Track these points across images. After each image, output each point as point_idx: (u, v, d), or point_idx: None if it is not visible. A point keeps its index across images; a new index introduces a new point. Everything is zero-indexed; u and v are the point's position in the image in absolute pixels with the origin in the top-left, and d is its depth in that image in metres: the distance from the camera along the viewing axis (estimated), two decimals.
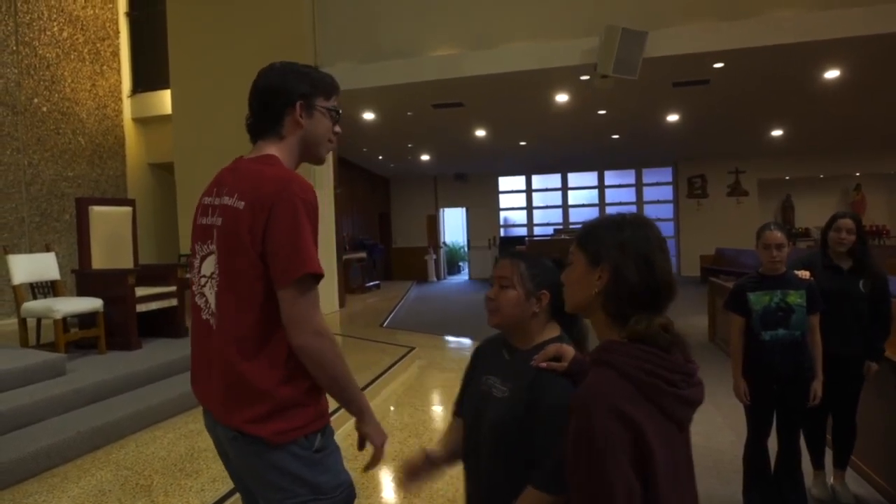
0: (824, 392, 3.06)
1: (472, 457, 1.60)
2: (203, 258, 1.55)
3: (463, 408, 1.71)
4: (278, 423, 1.42)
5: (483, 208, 18.99)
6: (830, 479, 3.50)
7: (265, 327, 1.42)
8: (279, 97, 1.54)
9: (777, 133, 13.49)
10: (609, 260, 1.20)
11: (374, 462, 1.56)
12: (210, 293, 1.51)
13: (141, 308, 5.44)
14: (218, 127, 8.07)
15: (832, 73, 8.69)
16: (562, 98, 9.73)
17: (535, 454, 1.40)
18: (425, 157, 15.65)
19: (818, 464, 3.49)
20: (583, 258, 1.24)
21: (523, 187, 19.10)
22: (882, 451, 3.47)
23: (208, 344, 1.52)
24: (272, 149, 1.55)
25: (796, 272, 3.11)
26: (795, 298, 2.98)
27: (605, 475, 1.05)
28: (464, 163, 17.00)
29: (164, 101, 9.86)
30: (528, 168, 18.48)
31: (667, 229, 18.02)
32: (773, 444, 3.14)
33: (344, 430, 4.38)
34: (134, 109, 10.18)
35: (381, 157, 15.50)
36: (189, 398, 4.46)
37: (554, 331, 1.59)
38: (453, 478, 3.57)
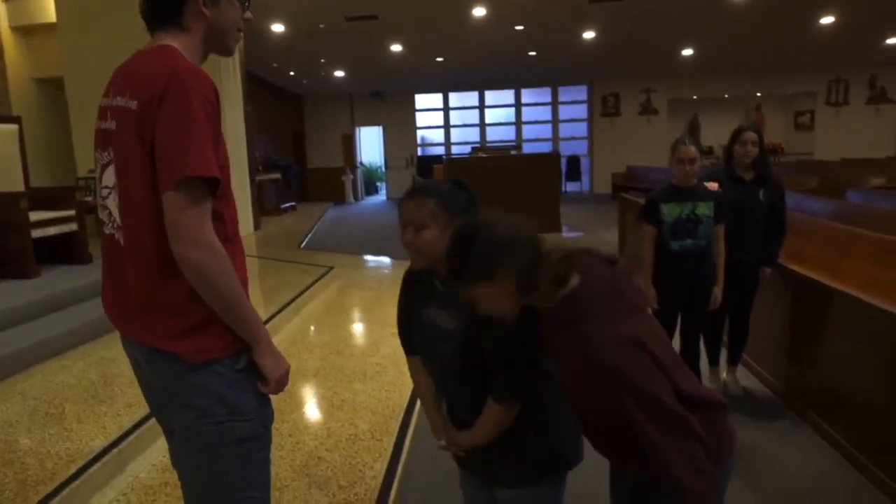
0: (724, 296, 3.30)
1: (438, 383, 1.68)
2: (104, 167, 1.42)
3: (412, 346, 1.73)
4: (197, 340, 1.34)
5: (400, 127, 18.66)
6: (723, 374, 3.83)
7: None
8: None
9: (687, 53, 13.80)
10: (497, 266, 1.29)
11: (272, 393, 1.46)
12: (113, 206, 1.40)
13: (37, 234, 5.08)
14: (111, 34, 7.39)
15: None
16: (479, 12, 9.51)
17: (492, 374, 1.48)
18: (339, 74, 15.08)
19: (714, 361, 3.79)
20: (480, 286, 1.32)
21: (440, 105, 18.85)
22: (771, 350, 3.80)
23: (118, 260, 1.42)
24: (172, 40, 1.38)
25: (706, 184, 3.26)
26: (704, 210, 3.13)
27: (652, 392, 1.20)
28: (380, 80, 16.51)
29: (47, 6, 8.91)
30: (445, 86, 18.18)
31: (580, 147, 18.42)
32: (674, 344, 3.38)
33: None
34: (11, 16, 9.15)
35: (292, 73, 14.81)
36: (99, 325, 4.29)
37: None
38: (376, 389, 3.66)
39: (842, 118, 17.22)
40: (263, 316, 4.92)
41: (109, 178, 1.40)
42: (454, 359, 1.55)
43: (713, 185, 3.29)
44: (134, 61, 1.39)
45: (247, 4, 1.47)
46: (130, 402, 3.27)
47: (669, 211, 3.16)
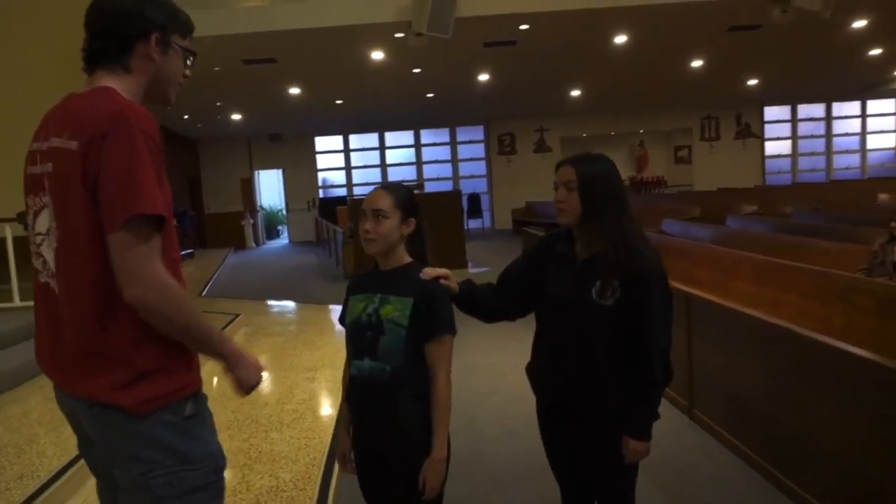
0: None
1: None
2: (36, 213, 1.35)
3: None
4: (141, 391, 1.28)
5: (300, 169, 18.44)
6: None
7: (115, 286, 1.25)
8: (133, 24, 1.34)
9: (576, 93, 14.61)
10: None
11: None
12: (48, 252, 1.33)
13: None
14: (18, 67, 6.93)
15: (621, 39, 9.57)
16: (377, 55, 9.68)
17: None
18: (236, 117, 14.78)
19: None
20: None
21: (341, 147, 18.85)
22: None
23: (53, 310, 1.34)
24: (112, 81, 1.34)
25: (425, 270, 1.82)
26: (393, 310, 1.78)
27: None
28: (279, 122, 16.33)
29: None
30: (345, 127, 18.22)
31: (480, 185, 18.93)
32: None
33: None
34: None
35: (186, 117, 14.36)
36: None
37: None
38: (294, 437, 3.55)
39: (715, 152, 18.76)
40: None
41: (43, 223, 1.34)
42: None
43: (434, 272, 1.81)
44: (70, 104, 1.34)
45: (189, 62, 1.47)
46: (21, 473, 3.00)
47: (353, 307, 1.87)
